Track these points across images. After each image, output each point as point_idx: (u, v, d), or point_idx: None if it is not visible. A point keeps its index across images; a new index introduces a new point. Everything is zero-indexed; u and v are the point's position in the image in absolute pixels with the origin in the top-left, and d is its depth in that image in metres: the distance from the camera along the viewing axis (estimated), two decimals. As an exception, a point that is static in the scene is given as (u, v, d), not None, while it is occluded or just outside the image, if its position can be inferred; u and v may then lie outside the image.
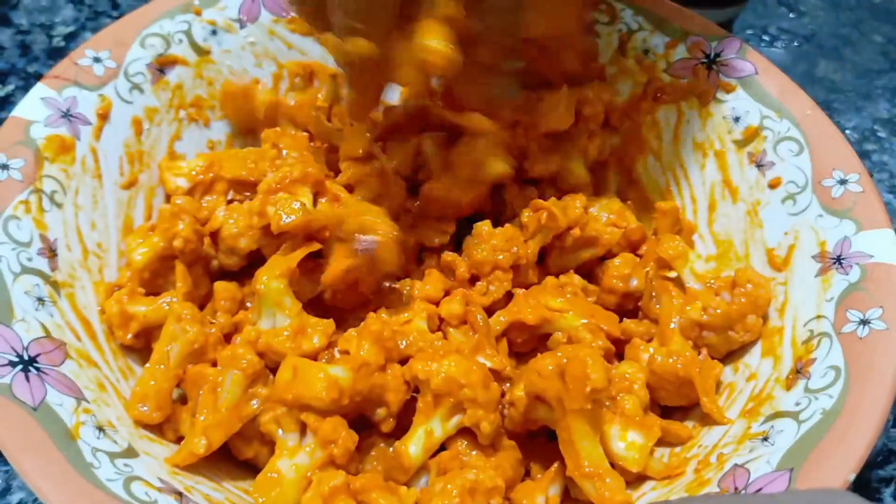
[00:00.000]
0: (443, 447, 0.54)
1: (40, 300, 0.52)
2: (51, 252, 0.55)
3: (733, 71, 0.66)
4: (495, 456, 0.53)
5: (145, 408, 0.52)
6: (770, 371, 0.55)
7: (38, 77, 0.79)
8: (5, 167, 0.56)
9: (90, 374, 0.51)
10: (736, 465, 0.50)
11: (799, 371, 0.53)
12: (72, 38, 0.87)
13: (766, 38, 0.96)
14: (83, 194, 0.59)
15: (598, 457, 0.50)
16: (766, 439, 0.50)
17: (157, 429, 0.54)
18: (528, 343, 0.59)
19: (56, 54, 0.86)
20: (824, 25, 0.97)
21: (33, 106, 0.59)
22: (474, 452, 0.53)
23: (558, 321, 0.59)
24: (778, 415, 0.52)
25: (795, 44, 0.95)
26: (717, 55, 0.67)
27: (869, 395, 0.49)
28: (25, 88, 0.79)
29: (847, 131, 0.87)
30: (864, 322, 0.52)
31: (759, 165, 0.64)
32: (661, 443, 0.55)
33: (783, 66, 0.70)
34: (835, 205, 0.59)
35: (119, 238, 0.61)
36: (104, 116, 0.62)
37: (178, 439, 0.54)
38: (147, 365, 0.55)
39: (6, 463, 0.60)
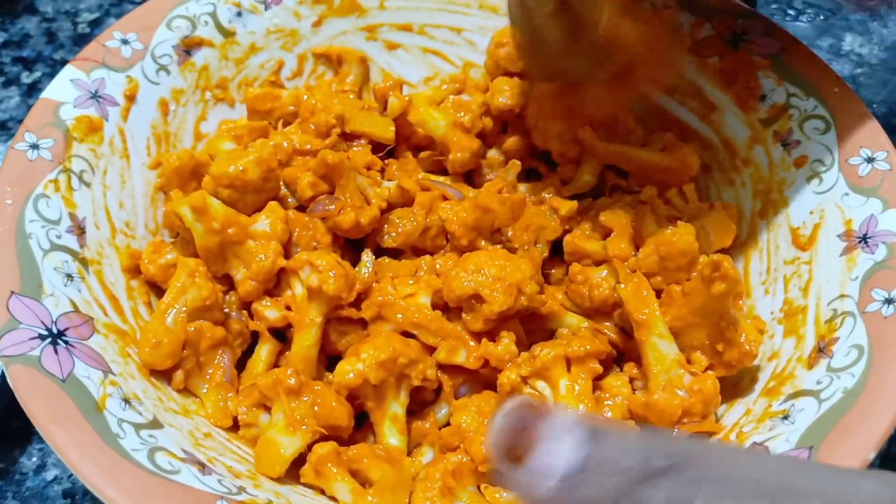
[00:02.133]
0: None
1: (69, 276, 0.53)
2: (79, 230, 0.56)
3: (759, 48, 0.66)
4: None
5: (156, 353, 0.54)
6: (792, 350, 0.55)
7: (65, 64, 0.81)
8: (35, 147, 0.57)
9: (116, 348, 0.53)
10: (755, 442, 0.49)
11: (821, 350, 0.53)
12: (96, 25, 0.89)
13: (791, 11, 0.94)
14: (111, 174, 0.60)
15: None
16: (786, 418, 0.50)
17: (165, 375, 0.55)
18: (535, 334, 0.59)
19: (81, 41, 0.87)
20: (851, -2, 0.95)
21: (63, 87, 0.60)
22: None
23: (565, 318, 0.59)
24: (799, 393, 0.51)
25: (821, 17, 0.93)
26: (744, 33, 0.67)
27: (892, 373, 0.48)
28: (52, 75, 0.80)
29: (874, 105, 0.86)
30: (890, 301, 0.52)
31: (785, 144, 0.63)
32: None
33: (809, 39, 0.69)
34: (862, 183, 0.58)
35: (146, 217, 0.62)
36: (131, 97, 0.63)
37: (185, 389, 0.56)
38: (157, 310, 0.56)
39: (41, 441, 0.61)
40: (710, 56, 0.68)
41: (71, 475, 0.61)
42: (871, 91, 0.88)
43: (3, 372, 0.56)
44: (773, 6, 0.95)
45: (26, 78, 0.84)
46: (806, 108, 0.63)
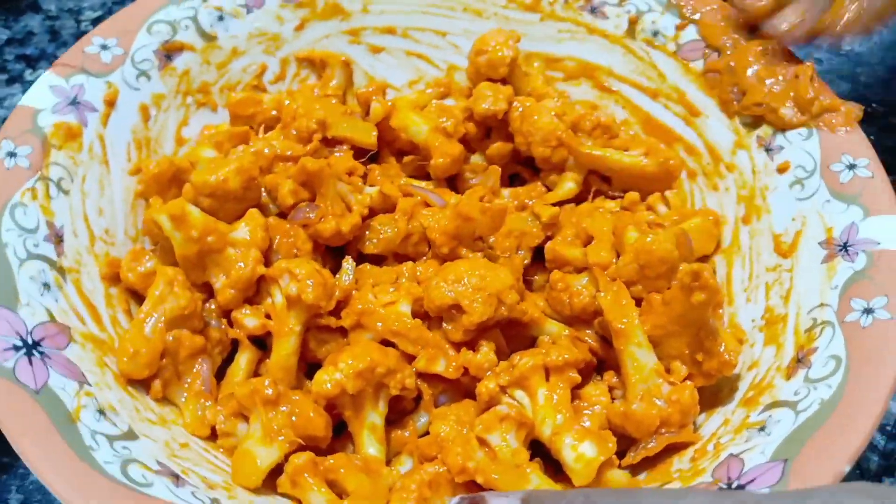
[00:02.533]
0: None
1: (46, 285, 0.53)
2: (57, 238, 0.56)
3: (744, 53, 0.65)
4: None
5: (133, 363, 0.54)
6: (772, 359, 0.55)
7: None
8: (13, 155, 0.57)
9: (93, 358, 0.52)
10: (731, 454, 0.49)
11: (800, 360, 0.53)
12: (99, 23, 0.87)
13: None
14: (90, 181, 0.60)
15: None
16: (762, 429, 0.50)
17: (144, 384, 0.55)
18: (516, 341, 0.59)
19: None
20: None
21: (41, 94, 0.60)
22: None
23: (546, 325, 0.59)
24: (776, 404, 0.51)
25: None
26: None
27: (868, 386, 0.48)
28: None
29: (874, 105, 0.86)
30: (868, 311, 0.52)
31: (768, 149, 0.63)
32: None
33: None
34: (843, 190, 0.58)
35: (126, 224, 0.62)
36: (111, 103, 0.63)
37: (163, 398, 0.56)
38: (135, 319, 0.56)
39: None
40: (696, 60, 0.67)
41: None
42: (871, 90, 0.87)
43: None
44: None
45: (29, 76, 0.84)
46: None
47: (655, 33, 0.69)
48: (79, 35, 0.87)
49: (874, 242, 0.54)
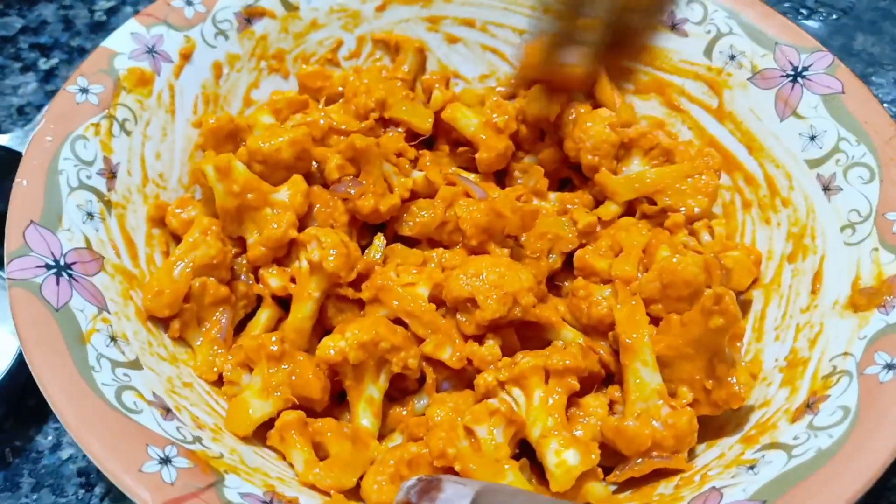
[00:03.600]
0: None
1: (90, 215, 0.57)
2: (110, 174, 0.59)
3: (818, 87, 0.63)
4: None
5: (157, 301, 0.57)
6: (783, 401, 0.52)
7: (82, 51, 0.85)
8: (85, 91, 0.61)
9: (119, 289, 0.55)
10: (714, 487, 0.48)
11: (809, 406, 0.50)
12: (113, 13, 0.89)
13: (803, 10, 0.91)
14: (154, 126, 0.63)
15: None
16: (752, 468, 0.48)
17: (165, 323, 0.58)
18: (531, 342, 0.58)
19: (98, 28, 0.88)
20: (863, -2, 0.91)
21: (122, 39, 0.64)
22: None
23: (562, 330, 0.58)
24: (773, 445, 0.49)
25: (833, 17, 0.90)
26: (805, 69, 0.64)
27: (871, 442, 0.46)
28: (69, 62, 0.84)
29: (886, 104, 0.82)
30: (890, 367, 0.49)
31: (826, 189, 0.60)
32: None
33: (821, 39, 0.67)
34: (893, 240, 0.55)
35: (182, 172, 0.65)
36: (186, 56, 0.66)
37: (180, 338, 0.58)
38: (166, 261, 0.59)
39: (56, 420, 0.62)
40: (769, 88, 0.65)
41: (86, 455, 0.60)
42: (883, 90, 0.85)
43: (20, 351, 0.59)
44: (786, 5, 0.91)
45: (43, 64, 0.85)
46: (854, 155, 0.60)
47: (732, 57, 0.67)
48: (92, 25, 0.88)
49: (914, 298, 0.51)
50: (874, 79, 0.86)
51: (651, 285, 0.56)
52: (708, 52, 0.68)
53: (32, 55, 0.86)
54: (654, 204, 0.64)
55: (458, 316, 0.57)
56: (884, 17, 0.91)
